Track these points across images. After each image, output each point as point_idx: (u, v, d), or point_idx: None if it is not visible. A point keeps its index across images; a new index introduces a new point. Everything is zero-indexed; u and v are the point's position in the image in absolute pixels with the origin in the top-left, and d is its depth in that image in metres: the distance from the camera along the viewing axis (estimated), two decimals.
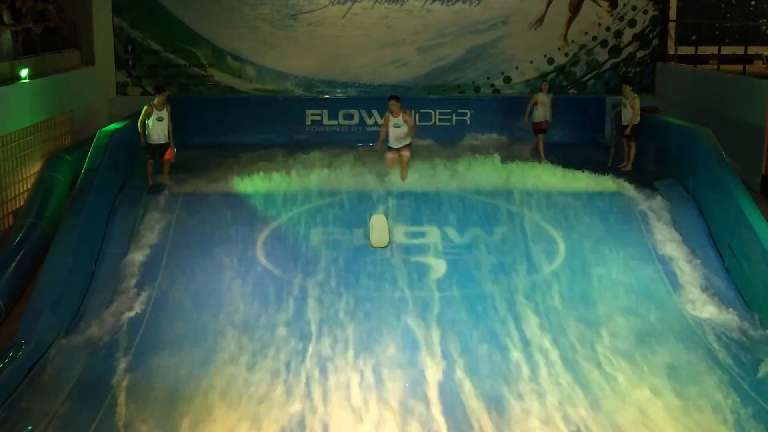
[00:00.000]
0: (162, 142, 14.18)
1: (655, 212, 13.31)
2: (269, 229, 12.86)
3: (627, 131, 15.40)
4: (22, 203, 13.60)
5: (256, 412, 9.08)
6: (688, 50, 19.06)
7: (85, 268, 11.75)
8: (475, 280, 11.90)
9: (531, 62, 19.52)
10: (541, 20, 19.41)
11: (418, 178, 14.31)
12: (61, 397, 9.30)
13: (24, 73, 14.58)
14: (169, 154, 14.28)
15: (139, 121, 14.10)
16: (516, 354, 10.23)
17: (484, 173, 14.54)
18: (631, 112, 15.32)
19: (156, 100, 14.13)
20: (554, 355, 10.19)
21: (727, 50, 17.71)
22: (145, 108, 14.16)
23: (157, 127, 14.07)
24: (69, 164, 14.31)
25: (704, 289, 11.67)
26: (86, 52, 18.34)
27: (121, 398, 9.27)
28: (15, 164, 13.70)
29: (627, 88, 15.59)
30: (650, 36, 19.60)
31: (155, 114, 14.04)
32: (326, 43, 19.30)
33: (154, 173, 14.28)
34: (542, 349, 10.30)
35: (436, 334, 10.59)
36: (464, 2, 19.27)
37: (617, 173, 14.84)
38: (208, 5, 19.05)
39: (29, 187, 13.93)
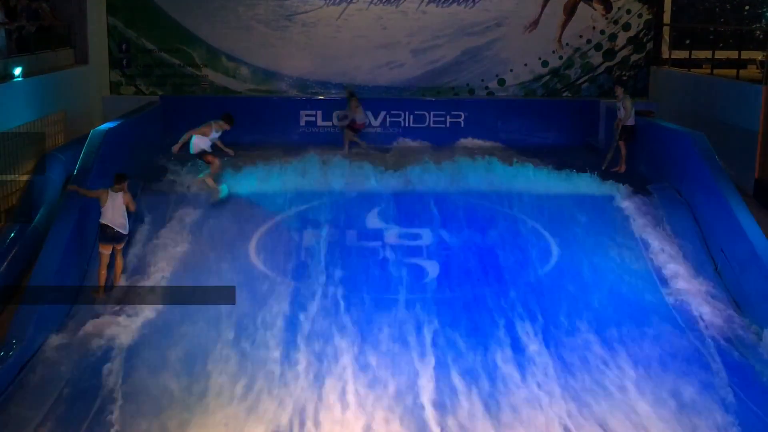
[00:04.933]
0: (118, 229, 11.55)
1: (648, 216, 13.32)
2: (263, 229, 12.84)
3: (627, 132, 15.45)
4: (14, 202, 13.54)
5: (249, 416, 9.03)
6: (682, 54, 19.16)
7: (77, 269, 11.71)
8: (468, 282, 11.90)
9: (525, 65, 19.54)
10: (535, 23, 19.43)
11: (412, 180, 14.34)
12: (52, 399, 9.25)
13: (17, 71, 14.52)
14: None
15: None
16: (509, 357, 10.20)
17: (478, 175, 14.58)
18: (623, 112, 15.39)
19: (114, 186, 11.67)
20: (547, 358, 10.17)
21: (720, 54, 17.81)
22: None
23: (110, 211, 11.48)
24: (62, 163, 14.26)
25: (696, 292, 11.67)
26: (80, 51, 18.25)
27: (112, 401, 9.22)
28: (7, 163, 13.65)
29: (619, 90, 15.66)
30: (644, 40, 19.63)
31: (110, 198, 11.54)
32: (321, 44, 19.30)
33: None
34: (535, 352, 10.27)
35: (429, 337, 10.55)
36: (459, 4, 19.28)
37: (611, 176, 14.85)
38: (202, 5, 19.02)
39: (22, 186, 13.88)
